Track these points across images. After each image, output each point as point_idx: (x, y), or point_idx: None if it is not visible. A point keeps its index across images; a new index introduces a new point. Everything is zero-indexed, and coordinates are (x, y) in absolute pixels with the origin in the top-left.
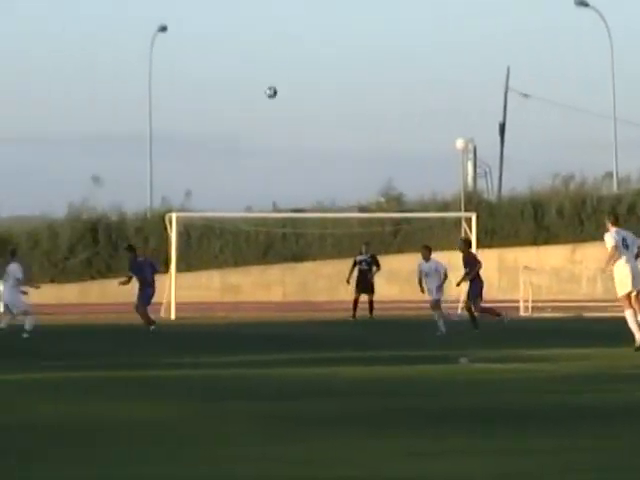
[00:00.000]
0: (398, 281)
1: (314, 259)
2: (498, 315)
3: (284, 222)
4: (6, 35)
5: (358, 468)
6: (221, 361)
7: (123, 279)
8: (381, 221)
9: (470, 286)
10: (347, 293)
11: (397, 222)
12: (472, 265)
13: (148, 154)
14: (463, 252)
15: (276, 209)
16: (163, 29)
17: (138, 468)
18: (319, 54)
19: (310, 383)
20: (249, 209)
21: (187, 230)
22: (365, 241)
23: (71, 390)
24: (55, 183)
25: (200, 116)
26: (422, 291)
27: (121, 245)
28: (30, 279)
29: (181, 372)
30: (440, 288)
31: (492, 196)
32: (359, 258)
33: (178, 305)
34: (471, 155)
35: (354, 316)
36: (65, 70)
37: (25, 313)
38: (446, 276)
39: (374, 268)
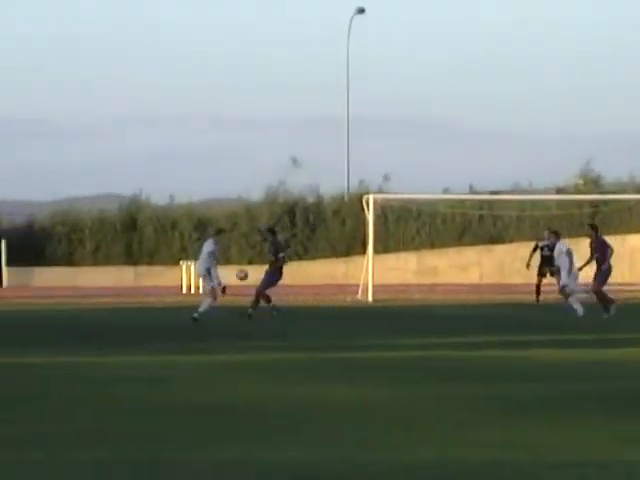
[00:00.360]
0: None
1: (511, 241)
2: (609, 302)
3: (481, 204)
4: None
5: (560, 452)
6: (421, 343)
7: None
8: (579, 203)
9: (598, 270)
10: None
11: (595, 204)
12: (602, 250)
13: (346, 136)
14: (591, 237)
15: (473, 191)
16: (361, 11)
17: (344, 451)
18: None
19: (510, 366)
20: (446, 191)
21: (384, 212)
22: (548, 227)
23: (276, 371)
24: (253, 166)
25: (398, 98)
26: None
27: (319, 227)
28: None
29: (385, 354)
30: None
31: None
32: (541, 243)
33: (375, 287)
34: None
35: (537, 300)
36: (264, 55)
37: (210, 293)
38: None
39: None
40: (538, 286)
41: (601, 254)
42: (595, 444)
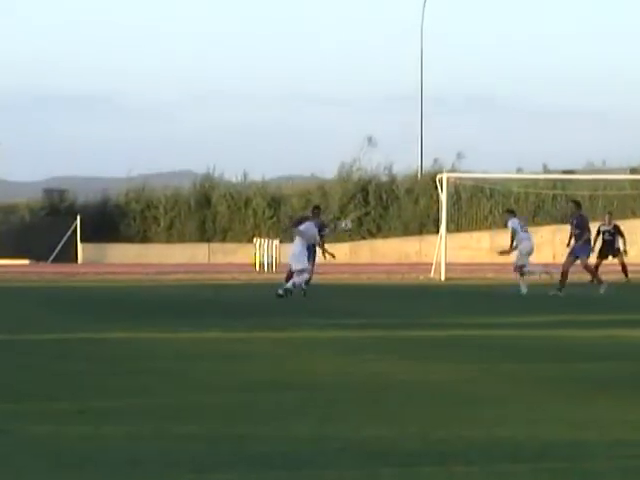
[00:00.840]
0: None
1: None
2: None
3: (554, 183)
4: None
5: (637, 432)
6: (495, 322)
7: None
8: None
9: (583, 246)
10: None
11: None
12: (583, 226)
13: (419, 114)
14: (573, 213)
15: (546, 170)
16: None
17: (420, 428)
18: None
19: (589, 346)
20: (519, 170)
21: (457, 191)
22: (608, 210)
23: (352, 349)
24: (327, 143)
25: (473, 76)
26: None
27: (391, 206)
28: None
29: (458, 332)
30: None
31: None
32: (603, 228)
33: (448, 266)
34: None
35: (592, 280)
36: (339, 34)
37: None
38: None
39: (618, 238)
40: (597, 267)
41: (581, 230)
42: None
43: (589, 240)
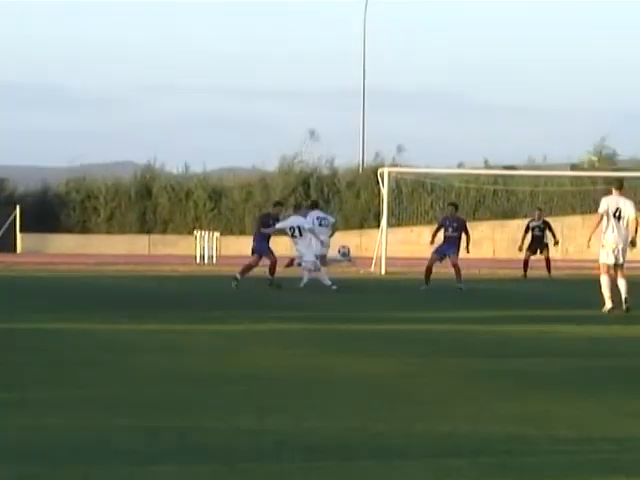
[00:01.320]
0: None
1: (524, 216)
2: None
3: (495, 179)
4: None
5: (573, 427)
6: (433, 316)
7: None
8: (593, 180)
9: (456, 244)
10: (559, 251)
11: (609, 181)
12: (462, 230)
13: (361, 108)
14: (452, 215)
15: (488, 165)
16: None
17: (357, 422)
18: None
19: (523, 341)
20: (461, 165)
21: (398, 185)
22: (538, 206)
23: (291, 342)
24: (269, 136)
25: (414, 71)
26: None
27: (333, 199)
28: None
29: (398, 327)
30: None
31: None
32: (532, 224)
33: (388, 260)
34: None
35: (525, 276)
36: (288, 26)
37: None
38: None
39: (547, 234)
40: (526, 261)
41: (459, 233)
42: (609, 420)
43: (458, 240)
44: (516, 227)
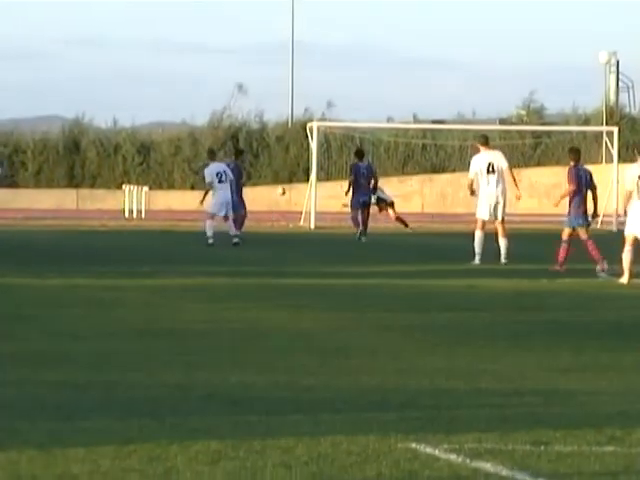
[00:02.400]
0: (537, 194)
1: (453, 171)
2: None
3: (424, 133)
4: None
5: (499, 381)
6: (361, 271)
7: None
8: (521, 134)
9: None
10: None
11: (538, 135)
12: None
13: (290, 63)
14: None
15: (416, 120)
16: None
17: (284, 376)
18: None
19: (451, 295)
20: (390, 120)
21: (327, 140)
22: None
23: (218, 296)
24: (198, 91)
25: (344, 25)
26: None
27: (262, 154)
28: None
29: (325, 281)
30: None
31: (634, 111)
32: None
33: (317, 215)
34: (614, 69)
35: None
36: None
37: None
38: None
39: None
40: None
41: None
42: (535, 373)
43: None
44: (445, 181)
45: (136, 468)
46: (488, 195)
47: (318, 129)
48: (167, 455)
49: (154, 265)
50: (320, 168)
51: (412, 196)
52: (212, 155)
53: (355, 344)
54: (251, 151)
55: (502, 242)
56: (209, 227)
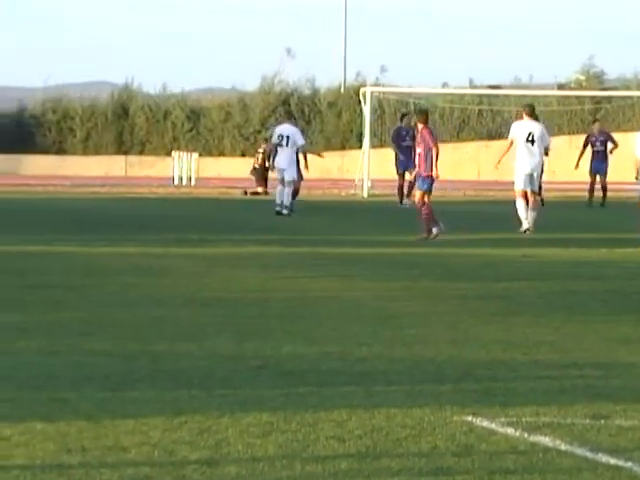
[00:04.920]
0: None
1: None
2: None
3: (480, 98)
4: None
5: (557, 352)
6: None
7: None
8: (580, 99)
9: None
10: (546, 173)
11: (597, 101)
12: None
13: (343, 26)
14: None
15: (473, 85)
16: None
17: (338, 347)
18: None
19: (506, 264)
20: (445, 85)
21: (381, 105)
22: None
23: (271, 265)
24: (247, 55)
25: None
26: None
27: (314, 120)
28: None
29: (380, 250)
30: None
31: None
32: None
33: (371, 182)
34: None
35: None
36: None
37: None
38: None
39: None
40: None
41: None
42: (595, 345)
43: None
44: (501, 148)
45: (187, 440)
46: (524, 165)
47: (371, 94)
48: (218, 427)
49: (204, 233)
50: (373, 135)
51: (468, 163)
52: (288, 115)
53: (408, 314)
54: (303, 117)
55: (531, 214)
56: (278, 194)
